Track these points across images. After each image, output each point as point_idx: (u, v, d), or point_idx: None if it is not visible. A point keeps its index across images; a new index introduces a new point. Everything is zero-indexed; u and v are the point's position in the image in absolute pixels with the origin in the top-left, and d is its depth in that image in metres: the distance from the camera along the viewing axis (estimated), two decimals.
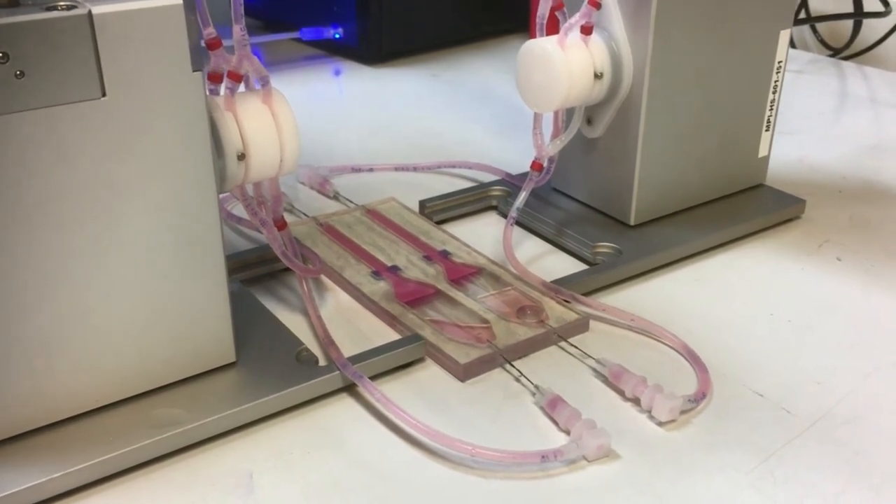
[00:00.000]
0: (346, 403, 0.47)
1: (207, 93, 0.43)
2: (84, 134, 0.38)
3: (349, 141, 0.83)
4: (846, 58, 1.14)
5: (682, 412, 0.46)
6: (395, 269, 0.58)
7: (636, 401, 0.47)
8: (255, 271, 0.59)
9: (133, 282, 0.42)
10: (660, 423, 0.46)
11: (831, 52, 1.17)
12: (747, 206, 0.66)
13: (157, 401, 0.44)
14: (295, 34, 1.07)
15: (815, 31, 1.19)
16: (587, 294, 0.56)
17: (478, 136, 0.84)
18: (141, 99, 0.39)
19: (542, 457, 0.42)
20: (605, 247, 0.61)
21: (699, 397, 0.47)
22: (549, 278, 0.56)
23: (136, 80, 0.39)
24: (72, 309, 0.41)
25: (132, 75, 0.38)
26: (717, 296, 0.58)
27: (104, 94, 0.38)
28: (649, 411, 0.46)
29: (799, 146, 0.82)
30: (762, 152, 0.68)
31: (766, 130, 0.67)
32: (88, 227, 0.40)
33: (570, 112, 0.61)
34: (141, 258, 0.42)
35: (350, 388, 0.48)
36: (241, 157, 0.45)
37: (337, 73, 1.04)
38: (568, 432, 0.45)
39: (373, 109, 0.91)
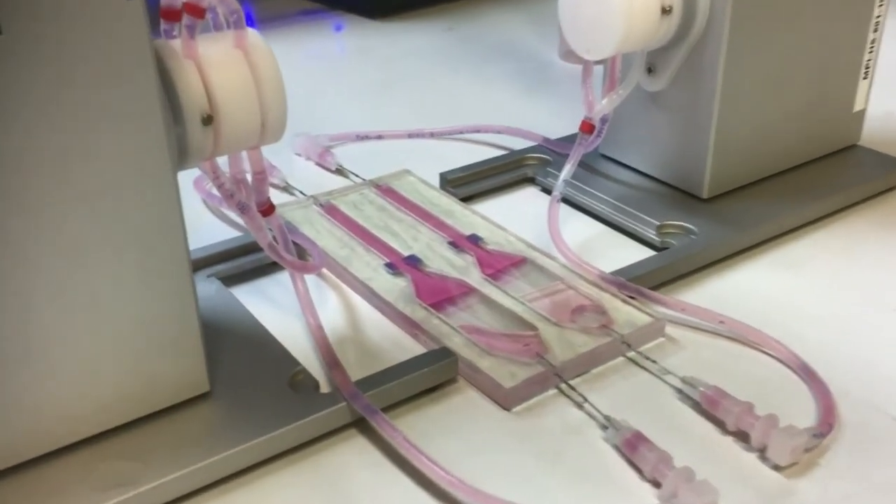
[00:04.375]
0: (355, 444, 0.40)
1: (162, 35, 0.37)
2: None
3: (353, 105, 0.79)
4: None
5: (806, 450, 0.38)
6: (414, 261, 0.52)
7: (741, 435, 0.39)
8: (239, 264, 0.52)
9: (65, 290, 0.35)
10: (776, 467, 0.38)
11: None
12: (842, 171, 0.60)
13: (106, 450, 0.37)
14: None
15: None
16: (656, 288, 0.50)
17: (503, 97, 0.79)
18: (53, 37, 0.31)
19: None
20: (673, 227, 0.55)
21: (825, 429, 0.39)
22: (607, 268, 0.50)
23: (46, 10, 0.31)
24: None
25: (39, 4, 0.31)
26: (819, 286, 0.51)
27: (0, 31, 0.30)
28: (761, 450, 0.38)
29: (891, 98, 0.73)
30: (858, 106, 0.62)
31: (864, 79, 0.61)
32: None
33: (628, 59, 0.55)
34: (73, 259, 0.34)
35: (360, 423, 0.41)
36: (208, 120, 0.38)
37: (338, 28, 1.01)
38: (656, 484, 0.37)
39: (380, 69, 0.87)
